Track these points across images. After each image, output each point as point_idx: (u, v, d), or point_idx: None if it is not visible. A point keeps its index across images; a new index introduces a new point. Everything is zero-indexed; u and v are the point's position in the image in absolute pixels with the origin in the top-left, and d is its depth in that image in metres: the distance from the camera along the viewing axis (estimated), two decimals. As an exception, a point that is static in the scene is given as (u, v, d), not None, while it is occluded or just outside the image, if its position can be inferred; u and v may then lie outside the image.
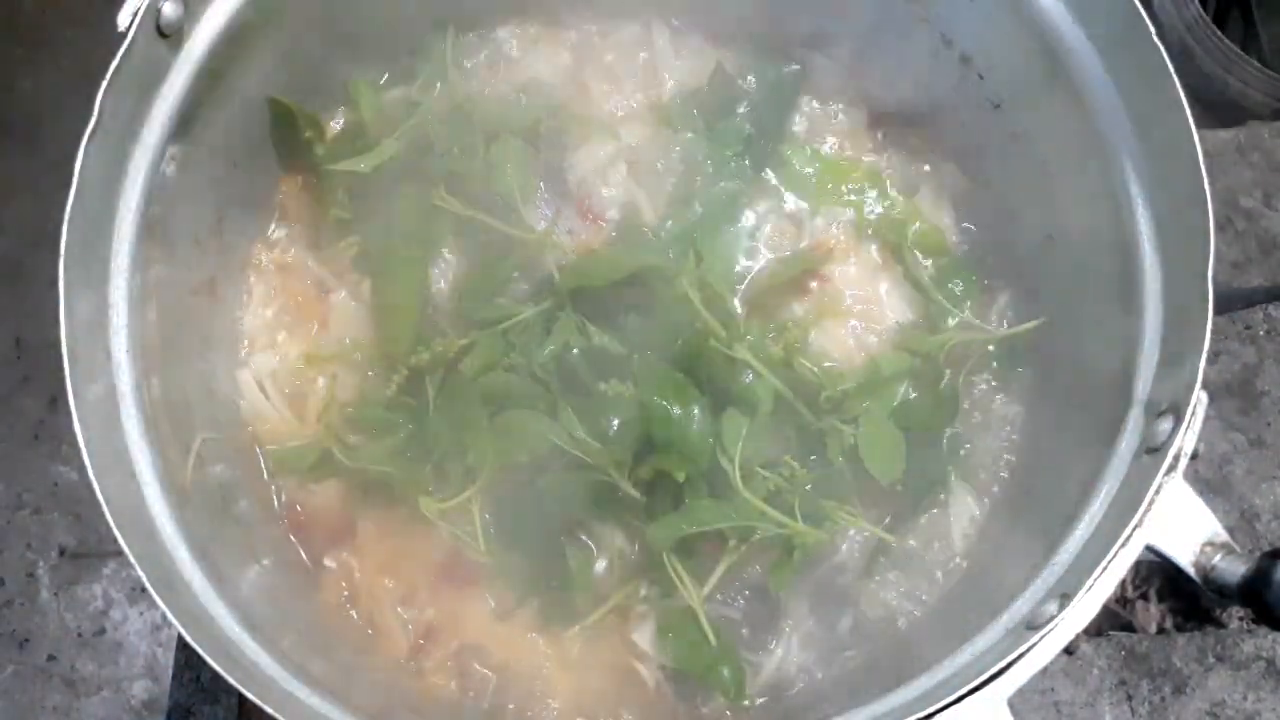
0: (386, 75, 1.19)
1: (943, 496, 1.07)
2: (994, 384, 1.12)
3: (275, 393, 1.10)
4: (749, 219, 1.16)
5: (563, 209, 1.15)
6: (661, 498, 1.00)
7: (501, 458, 1.01)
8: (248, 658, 0.83)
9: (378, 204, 1.12)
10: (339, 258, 1.14)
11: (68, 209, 0.84)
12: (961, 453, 1.09)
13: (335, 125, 1.17)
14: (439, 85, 1.18)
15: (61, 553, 1.36)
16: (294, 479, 1.07)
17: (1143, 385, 0.87)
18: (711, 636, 0.97)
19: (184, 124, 0.94)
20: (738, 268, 1.14)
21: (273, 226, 1.15)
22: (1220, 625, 1.30)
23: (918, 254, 1.15)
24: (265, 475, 1.08)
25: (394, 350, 1.08)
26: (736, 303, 1.12)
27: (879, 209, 1.17)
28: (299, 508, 1.07)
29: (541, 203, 1.15)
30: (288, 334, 1.12)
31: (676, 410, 0.99)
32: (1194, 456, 0.79)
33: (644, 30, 1.22)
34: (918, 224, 1.16)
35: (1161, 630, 1.31)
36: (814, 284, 1.14)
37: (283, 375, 1.11)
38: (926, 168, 1.19)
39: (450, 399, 1.05)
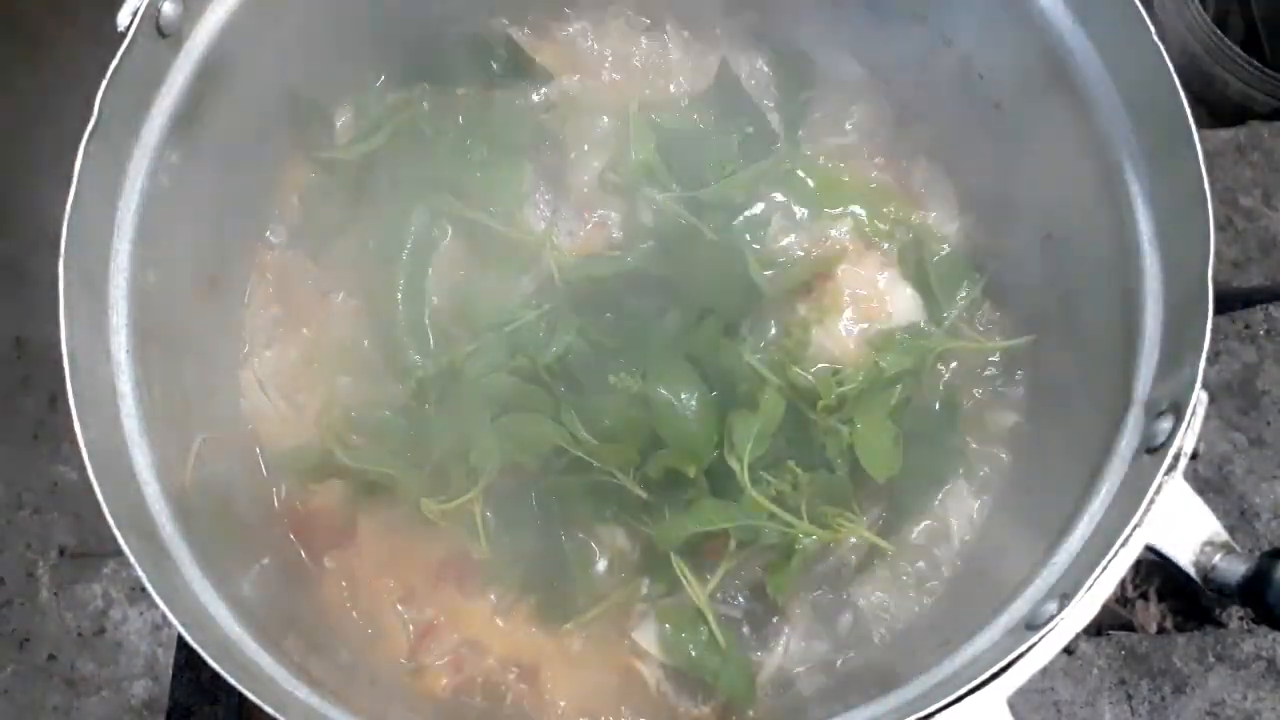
0: (383, 78, 1.19)
1: (942, 496, 1.07)
2: (994, 383, 1.12)
3: (276, 393, 1.10)
4: (755, 219, 1.15)
5: (562, 209, 1.15)
6: (665, 498, 1.00)
7: (504, 459, 1.01)
8: (248, 657, 0.83)
9: (376, 206, 1.12)
10: (338, 259, 1.13)
11: (68, 209, 0.84)
12: (961, 452, 1.09)
13: (338, 124, 1.17)
14: (439, 88, 1.18)
15: (61, 553, 1.36)
16: (294, 479, 1.07)
17: (1143, 385, 0.87)
18: (720, 637, 0.97)
19: (184, 124, 0.94)
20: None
21: (272, 226, 1.15)
22: (1220, 625, 1.30)
23: (918, 254, 1.15)
24: (265, 475, 1.07)
25: (394, 357, 1.08)
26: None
27: (881, 210, 1.17)
28: (299, 507, 1.07)
29: (541, 204, 1.15)
30: (288, 334, 1.12)
31: (685, 405, 0.99)
32: (1194, 456, 0.79)
33: (651, 28, 1.22)
34: (918, 224, 1.16)
35: (1161, 630, 1.31)
36: (816, 283, 1.13)
37: (283, 375, 1.11)
38: (927, 168, 1.19)
39: (452, 401, 1.05)
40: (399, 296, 1.09)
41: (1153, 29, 0.88)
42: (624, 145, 1.13)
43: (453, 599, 1.05)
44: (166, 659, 1.30)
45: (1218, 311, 0.80)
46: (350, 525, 1.07)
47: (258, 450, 1.08)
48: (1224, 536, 0.78)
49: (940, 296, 1.12)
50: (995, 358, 1.12)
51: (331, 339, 1.12)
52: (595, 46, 1.21)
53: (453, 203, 1.11)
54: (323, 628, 1.02)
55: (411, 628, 1.04)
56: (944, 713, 0.75)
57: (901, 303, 1.13)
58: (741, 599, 1.03)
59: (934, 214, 1.18)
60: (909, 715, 0.76)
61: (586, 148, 1.15)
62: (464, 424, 1.03)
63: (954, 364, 1.11)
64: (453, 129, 1.13)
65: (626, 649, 1.02)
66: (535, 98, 1.18)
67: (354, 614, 1.04)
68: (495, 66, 1.17)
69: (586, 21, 1.22)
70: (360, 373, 1.11)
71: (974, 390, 1.12)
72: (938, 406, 1.09)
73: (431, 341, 1.09)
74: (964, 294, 1.13)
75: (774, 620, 1.03)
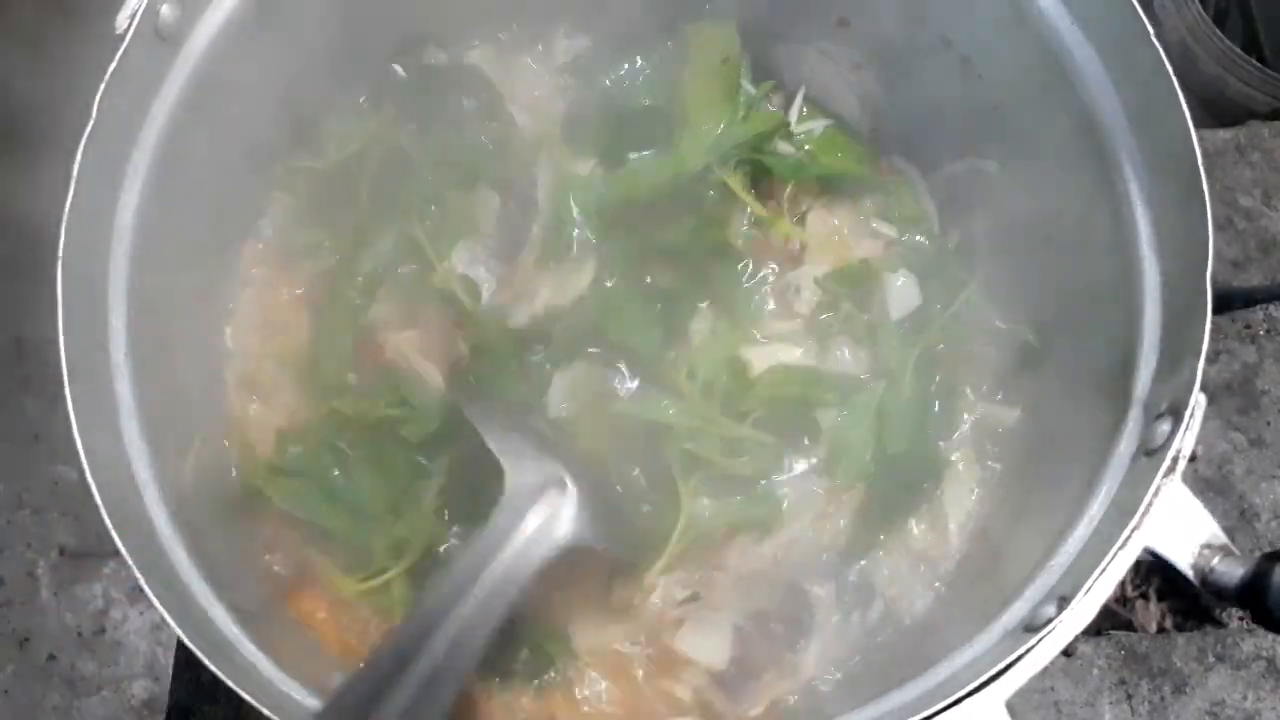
0: (365, 97, 1.19)
1: (940, 494, 1.08)
2: (993, 383, 1.12)
3: (253, 401, 1.09)
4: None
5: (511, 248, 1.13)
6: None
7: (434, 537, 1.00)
8: (245, 658, 0.83)
9: (349, 224, 1.12)
10: (306, 275, 1.13)
11: (67, 209, 0.84)
12: (961, 451, 1.09)
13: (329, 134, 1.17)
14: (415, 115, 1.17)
15: (61, 552, 1.36)
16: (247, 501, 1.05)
17: (1142, 385, 0.87)
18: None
19: (181, 125, 0.94)
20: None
21: (263, 232, 1.15)
22: (1220, 625, 1.30)
23: (920, 244, 1.16)
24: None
25: (316, 379, 1.07)
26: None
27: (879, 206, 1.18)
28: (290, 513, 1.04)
29: (489, 244, 1.13)
30: (265, 343, 1.11)
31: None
32: (1193, 457, 0.79)
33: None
34: (918, 215, 1.17)
35: (1161, 630, 1.31)
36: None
37: (259, 384, 1.10)
38: (926, 168, 1.19)
39: (383, 458, 1.02)
40: (328, 329, 1.08)
41: (1152, 29, 0.87)
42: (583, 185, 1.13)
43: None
44: (166, 659, 1.30)
45: (1217, 311, 0.80)
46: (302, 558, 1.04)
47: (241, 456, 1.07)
48: (1222, 539, 0.78)
49: (939, 289, 1.13)
50: (994, 357, 1.12)
51: (292, 354, 1.11)
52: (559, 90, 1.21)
53: (410, 224, 1.09)
54: (318, 629, 1.02)
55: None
56: (943, 715, 0.75)
57: (900, 291, 1.13)
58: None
59: (933, 214, 1.18)
60: (909, 716, 0.76)
61: (549, 185, 1.14)
62: (390, 488, 1.01)
63: (954, 364, 1.12)
64: (429, 154, 1.13)
65: (667, 663, 1.01)
66: (500, 133, 1.16)
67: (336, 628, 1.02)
68: (466, 104, 1.16)
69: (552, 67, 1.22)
70: (306, 397, 1.09)
71: (972, 390, 1.12)
72: (930, 404, 1.09)
73: (356, 380, 1.08)
74: (964, 289, 1.13)
75: (807, 617, 1.04)
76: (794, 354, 1.11)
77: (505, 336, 1.06)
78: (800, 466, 1.08)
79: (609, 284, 1.08)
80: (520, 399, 1.03)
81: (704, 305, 1.11)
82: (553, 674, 1.01)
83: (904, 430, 1.06)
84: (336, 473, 1.02)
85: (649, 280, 1.10)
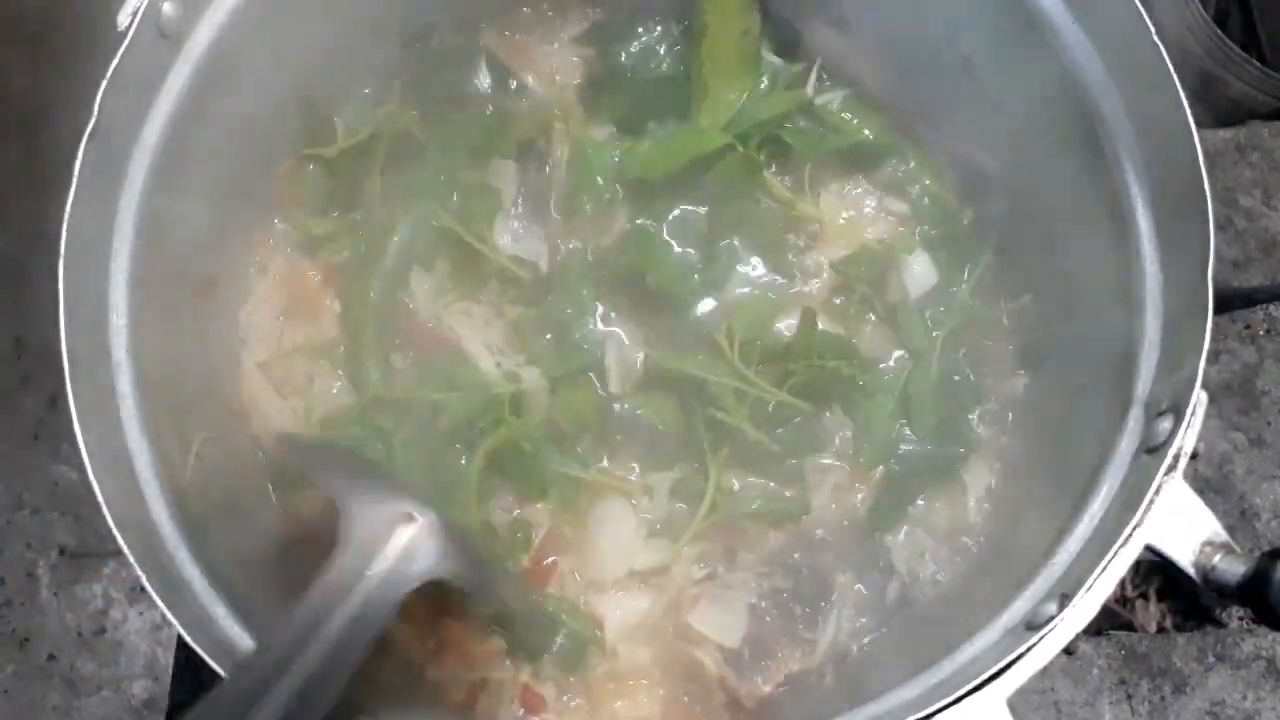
0: (372, 87, 1.18)
1: (962, 472, 1.09)
2: (995, 382, 1.12)
3: (274, 392, 1.09)
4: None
5: (536, 224, 1.14)
6: None
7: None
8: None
9: (368, 210, 1.12)
10: (329, 260, 1.13)
11: (68, 209, 0.84)
12: (980, 432, 1.10)
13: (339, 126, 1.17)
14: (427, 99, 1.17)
15: (61, 552, 1.36)
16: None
17: (1143, 385, 0.87)
18: None
19: (184, 124, 0.94)
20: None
21: (273, 226, 1.15)
22: (1220, 625, 1.30)
23: (935, 220, 1.16)
24: (262, 477, 1.07)
25: (353, 368, 1.08)
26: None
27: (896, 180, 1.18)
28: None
29: (516, 219, 1.14)
30: (288, 333, 1.12)
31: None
32: (1194, 456, 0.79)
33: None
34: (934, 190, 1.17)
35: (1161, 630, 1.31)
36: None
37: (281, 374, 1.10)
38: (924, 171, 1.19)
39: (423, 437, 1.03)
40: (360, 311, 1.08)
41: (1153, 29, 0.88)
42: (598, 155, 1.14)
43: (455, 631, 1.03)
44: (166, 659, 1.30)
45: (1218, 311, 0.80)
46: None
47: (258, 450, 1.08)
48: (1224, 536, 0.78)
49: (955, 265, 1.13)
50: (996, 357, 1.12)
51: (322, 340, 1.11)
52: (576, 61, 1.21)
53: (439, 212, 1.10)
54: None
55: (416, 644, 1.02)
56: (944, 713, 0.75)
57: (918, 270, 1.13)
58: (790, 581, 1.05)
59: (931, 214, 1.18)
60: (909, 715, 0.76)
61: (566, 161, 1.15)
62: (435, 469, 1.01)
63: (973, 343, 1.12)
64: (441, 138, 1.13)
65: (682, 638, 1.02)
66: (517, 110, 1.17)
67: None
68: (479, 83, 1.16)
69: (568, 38, 1.22)
70: (338, 380, 1.10)
71: (974, 389, 1.12)
72: (960, 383, 1.10)
73: (393, 363, 1.08)
74: (978, 265, 1.13)
75: (824, 593, 1.04)
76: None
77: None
78: (826, 447, 1.08)
79: (641, 227, 1.10)
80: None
81: (745, 264, 1.12)
82: (587, 656, 1.02)
83: (930, 410, 1.07)
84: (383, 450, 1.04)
85: (681, 212, 1.11)
